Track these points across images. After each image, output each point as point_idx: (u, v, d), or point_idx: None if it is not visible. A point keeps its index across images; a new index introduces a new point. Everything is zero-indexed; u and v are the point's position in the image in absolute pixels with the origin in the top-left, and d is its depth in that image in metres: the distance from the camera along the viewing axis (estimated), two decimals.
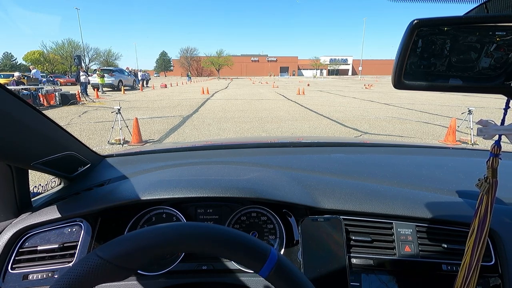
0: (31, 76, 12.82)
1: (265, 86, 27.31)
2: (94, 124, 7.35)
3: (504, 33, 0.41)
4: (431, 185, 0.88)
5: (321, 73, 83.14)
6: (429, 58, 0.44)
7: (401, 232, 0.73)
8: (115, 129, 5.52)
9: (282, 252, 0.77)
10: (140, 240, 0.41)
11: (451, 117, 6.37)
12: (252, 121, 7.67)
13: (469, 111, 5.39)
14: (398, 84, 0.46)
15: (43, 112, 0.68)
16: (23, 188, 0.81)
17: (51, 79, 22.94)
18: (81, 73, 14.74)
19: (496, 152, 0.51)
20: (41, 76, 14.61)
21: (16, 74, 12.95)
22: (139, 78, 25.18)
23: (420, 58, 0.44)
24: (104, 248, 0.40)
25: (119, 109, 5.56)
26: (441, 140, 5.52)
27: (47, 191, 0.97)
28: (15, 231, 0.75)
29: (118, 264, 0.39)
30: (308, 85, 27.72)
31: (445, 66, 0.44)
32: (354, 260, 0.72)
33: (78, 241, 0.76)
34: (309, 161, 1.07)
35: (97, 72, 17.63)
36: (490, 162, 0.51)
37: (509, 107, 0.48)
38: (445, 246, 0.71)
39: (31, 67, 14.66)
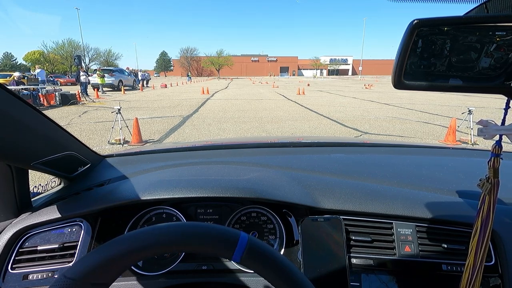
0: (33, 76, 12.78)
1: (265, 86, 27.30)
2: (94, 124, 7.35)
3: (504, 33, 0.40)
4: (431, 185, 0.88)
5: (321, 73, 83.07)
6: (429, 58, 0.44)
7: (401, 232, 0.73)
8: (115, 129, 5.52)
9: (282, 252, 0.77)
10: (106, 251, 0.39)
11: (451, 117, 6.37)
12: (252, 121, 7.67)
13: (469, 111, 5.38)
14: (398, 84, 0.46)
15: (43, 112, 0.68)
16: (23, 188, 0.81)
17: (51, 79, 23.00)
18: (81, 73, 14.74)
19: (497, 152, 0.51)
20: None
21: (17, 74, 12.94)
22: (139, 78, 25.18)
23: (420, 58, 0.44)
24: (72, 268, 0.38)
25: (119, 109, 5.56)
26: (441, 140, 5.52)
27: (47, 191, 0.97)
28: (15, 231, 0.75)
29: (90, 281, 0.37)
30: (308, 85, 27.70)
31: (445, 66, 0.44)
32: (354, 260, 0.72)
33: (78, 241, 0.76)
34: (309, 161, 1.07)
35: (97, 72, 17.60)
36: (492, 162, 0.51)
37: (509, 107, 0.48)
38: (445, 246, 0.71)
39: (36, 66, 14.56)
